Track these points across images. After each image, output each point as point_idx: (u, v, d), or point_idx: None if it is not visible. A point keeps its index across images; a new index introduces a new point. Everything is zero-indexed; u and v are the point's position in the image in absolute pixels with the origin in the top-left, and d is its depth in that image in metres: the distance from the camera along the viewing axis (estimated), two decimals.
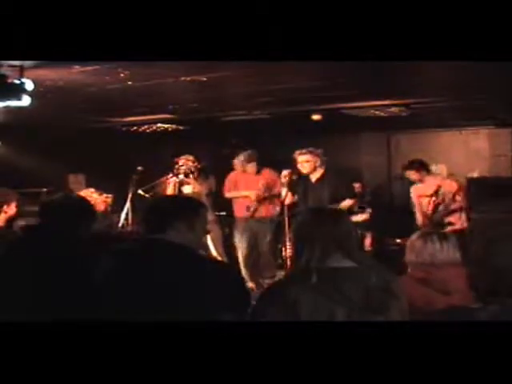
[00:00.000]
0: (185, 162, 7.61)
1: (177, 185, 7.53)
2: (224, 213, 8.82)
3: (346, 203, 6.69)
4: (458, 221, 7.20)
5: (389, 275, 2.58)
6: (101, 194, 5.26)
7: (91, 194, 5.07)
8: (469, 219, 7.41)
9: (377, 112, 7.86)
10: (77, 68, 4.73)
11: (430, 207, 7.23)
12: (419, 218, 7.44)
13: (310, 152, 6.96)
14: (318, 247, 2.52)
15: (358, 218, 7.28)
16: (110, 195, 5.46)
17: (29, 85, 4.57)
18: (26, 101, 4.64)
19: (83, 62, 4.45)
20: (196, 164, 7.60)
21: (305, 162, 6.95)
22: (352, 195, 7.07)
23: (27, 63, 4.41)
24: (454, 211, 7.21)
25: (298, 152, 7.03)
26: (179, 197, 5.45)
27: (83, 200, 3.81)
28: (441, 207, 7.19)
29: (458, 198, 7.23)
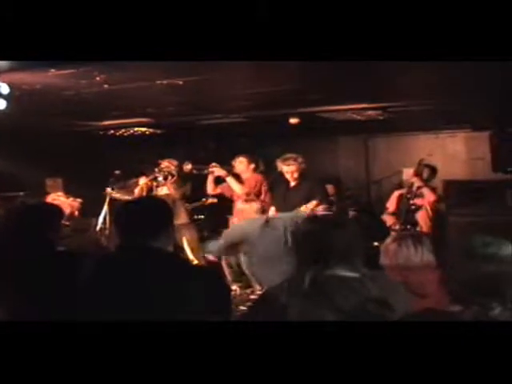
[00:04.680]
0: (168, 165, 7.61)
1: (150, 187, 7.51)
2: (202, 216, 8.80)
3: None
4: (425, 220, 7.20)
5: (389, 286, 2.58)
6: (68, 198, 5.28)
7: (58, 198, 5.10)
8: (445, 222, 7.43)
9: (354, 115, 7.89)
10: (53, 71, 4.68)
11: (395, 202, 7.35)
12: (387, 219, 7.48)
13: (294, 159, 7.11)
14: (314, 255, 2.53)
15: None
16: (78, 199, 5.46)
17: (4, 88, 4.56)
18: (1, 104, 4.63)
19: (60, 62, 4.39)
20: (178, 168, 7.60)
21: (290, 172, 7.09)
22: (324, 197, 7.09)
23: (2, 67, 4.37)
24: (419, 207, 7.23)
25: (281, 159, 7.18)
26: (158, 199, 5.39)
27: (47, 204, 3.86)
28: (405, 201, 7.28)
29: (423, 192, 7.24)
